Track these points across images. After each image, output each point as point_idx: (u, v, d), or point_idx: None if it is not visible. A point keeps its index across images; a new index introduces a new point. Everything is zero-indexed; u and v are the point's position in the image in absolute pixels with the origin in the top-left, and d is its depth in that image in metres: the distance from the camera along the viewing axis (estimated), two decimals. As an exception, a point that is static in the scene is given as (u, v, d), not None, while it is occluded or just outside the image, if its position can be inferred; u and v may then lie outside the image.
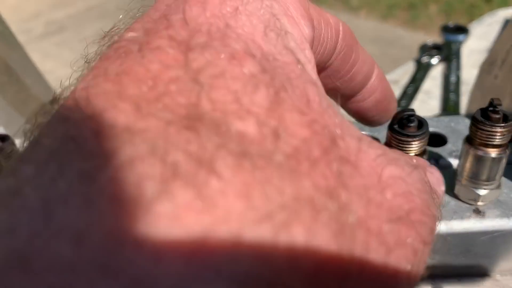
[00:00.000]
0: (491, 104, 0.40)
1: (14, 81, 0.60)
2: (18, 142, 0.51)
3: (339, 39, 0.29)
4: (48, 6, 3.11)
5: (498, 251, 0.43)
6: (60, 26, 2.93)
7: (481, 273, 0.45)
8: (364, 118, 0.37)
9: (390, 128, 0.37)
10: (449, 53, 0.96)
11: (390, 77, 0.96)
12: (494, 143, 0.40)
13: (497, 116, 0.40)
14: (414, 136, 0.37)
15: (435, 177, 0.29)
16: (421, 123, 0.38)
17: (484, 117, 0.40)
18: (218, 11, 0.19)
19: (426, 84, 0.92)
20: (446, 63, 0.95)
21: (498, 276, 0.45)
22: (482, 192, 0.42)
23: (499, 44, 0.59)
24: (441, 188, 0.30)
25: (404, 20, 2.80)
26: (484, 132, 0.40)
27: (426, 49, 0.99)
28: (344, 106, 0.36)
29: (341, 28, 0.29)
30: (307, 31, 0.24)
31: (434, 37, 1.30)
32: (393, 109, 0.38)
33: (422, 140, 0.38)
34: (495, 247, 0.43)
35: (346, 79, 0.33)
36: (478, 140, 0.41)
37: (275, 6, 0.21)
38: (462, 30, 1.02)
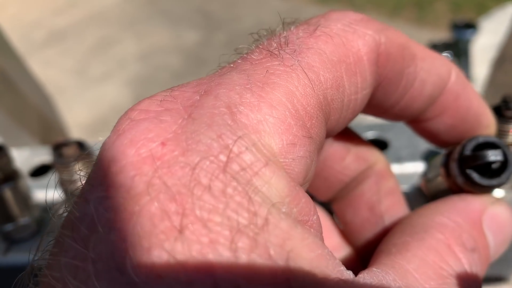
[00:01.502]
0: (503, 100, 0.38)
1: (11, 90, 0.59)
2: (14, 151, 0.50)
3: (373, 73, 0.23)
4: (49, 15, 3.13)
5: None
6: (61, 34, 2.94)
7: (497, 278, 0.43)
8: (437, 143, 0.30)
9: (462, 171, 0.27)
10: (458, 50, 0.94)
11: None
12: (509, 141, 0.38)
13: (510, 113, 0.38)
14: (496, 186, 0.26)
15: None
16: (505, 159, 0.26)
17: (497, 115, 0.38)
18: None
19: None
20: (455, 61, 0.93)
21: (516, 282, 0.43)
22: (497, 194, 0.40)
23: (509, 40, 0.57)
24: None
25: (410, 18, 2.78)
26: (496, 130, 0.38)
27: (436, 48, 0.97)
28: (410, 125, 0.30)
29: (367, 55, 0.23)
30: (298, 167, 0.20)
31: (441, 35, 1.27)
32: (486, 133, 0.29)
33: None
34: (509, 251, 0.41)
35: (396, 109, 0.26)
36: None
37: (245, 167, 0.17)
38: (471, 26, 1.00)
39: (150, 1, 3.19)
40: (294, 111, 0.20)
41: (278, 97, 0.19)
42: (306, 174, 0.20)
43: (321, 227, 0.20)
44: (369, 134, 0.48)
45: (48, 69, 2.63)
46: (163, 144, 0.17)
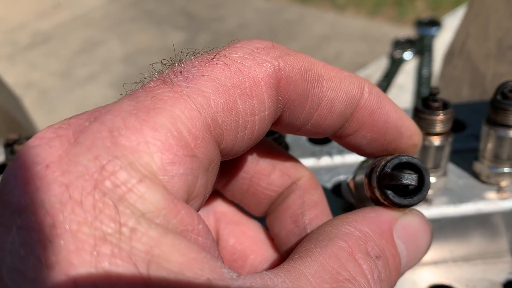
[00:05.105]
0: (430, 92, 0.41)
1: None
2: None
3: (271, 96, 0.25)
4: (34, 17, 3.13)
5: (448, 238, 0.44)
6: (46, 36, 2.94)
7: (435, 260, 0.45)
8: (364, 154, 0.31)
9: (379, 185, 0.28)
10: (421, 46, 0.97)
11: (362, 73, 0.96)
12: (436, 131, 0.41)
13: (437, 104, 0.40)
14: (408, 205, 0.28)
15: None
16: (422, 183, 0.27)
17: (425, 106, 0.41)
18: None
19: (400, 78, 0.93)
20: (419, 57, 0.96)
21: (451, 263, 0.45)
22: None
23: (457, 35, 0.60)
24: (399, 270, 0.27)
25: (391, 16, 2.81)
26: (425, 120, 0.41)
27: (399, 44, 1.00)
28: (334, 140, 0.31)
29: (269, 83, 0.24)
30: (176, 184, 0.22)
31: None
32: (410, 146, 0.31)
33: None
34: (444, 234, 0.43)
35: (309, 126, 0.28)
36: (421, 129, 0.41)
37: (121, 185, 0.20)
38: (435, 23, 1.03)
39: (134, 2, 3.19)
40: (176, 133, 0.22)
41: (161, 120, 0.21)
42: (188, 189, 0.22)
43: (210, 234, 0.22)
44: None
45: (33, 71, 2.63)
46: (47, 166, 0.20)
